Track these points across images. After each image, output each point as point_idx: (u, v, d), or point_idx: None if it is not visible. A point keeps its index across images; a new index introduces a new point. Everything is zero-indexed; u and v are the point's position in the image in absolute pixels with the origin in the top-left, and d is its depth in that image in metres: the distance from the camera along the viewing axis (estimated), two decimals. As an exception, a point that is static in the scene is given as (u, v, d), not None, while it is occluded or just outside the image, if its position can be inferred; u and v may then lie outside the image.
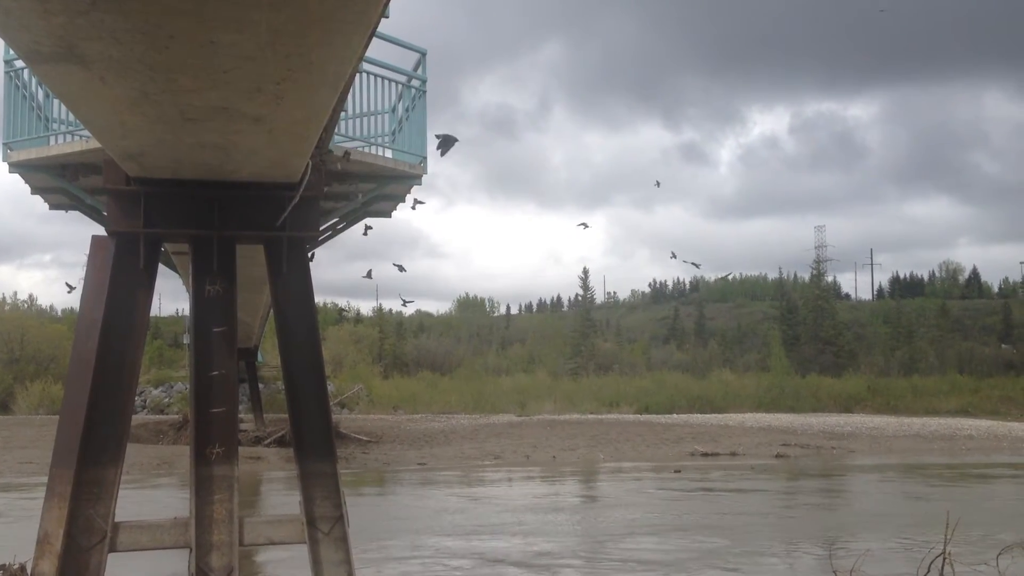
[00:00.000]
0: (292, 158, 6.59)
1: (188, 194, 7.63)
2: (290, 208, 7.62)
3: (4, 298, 75.65)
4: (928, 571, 9.46)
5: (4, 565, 7.36)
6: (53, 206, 14.37)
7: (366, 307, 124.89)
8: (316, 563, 7.95)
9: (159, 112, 4.96)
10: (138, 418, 43.61)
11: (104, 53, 3.86)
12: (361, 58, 6.56)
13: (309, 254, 8.83)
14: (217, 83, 4.37)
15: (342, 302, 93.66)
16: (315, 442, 8.13)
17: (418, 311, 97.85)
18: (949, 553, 9.51)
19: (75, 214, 14.46)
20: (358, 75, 11.86)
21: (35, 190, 13.32)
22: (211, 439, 7.84)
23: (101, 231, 8.04)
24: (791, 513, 18.87)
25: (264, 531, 8.08)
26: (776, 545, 14.86)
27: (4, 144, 12.03)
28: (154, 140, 5.89)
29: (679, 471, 20.36)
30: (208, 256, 7.85)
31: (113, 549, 7.61)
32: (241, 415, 36.54)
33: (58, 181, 12.12)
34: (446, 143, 11.11)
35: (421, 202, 13.74)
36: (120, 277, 7.67)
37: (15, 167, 11.99)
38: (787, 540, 15.36)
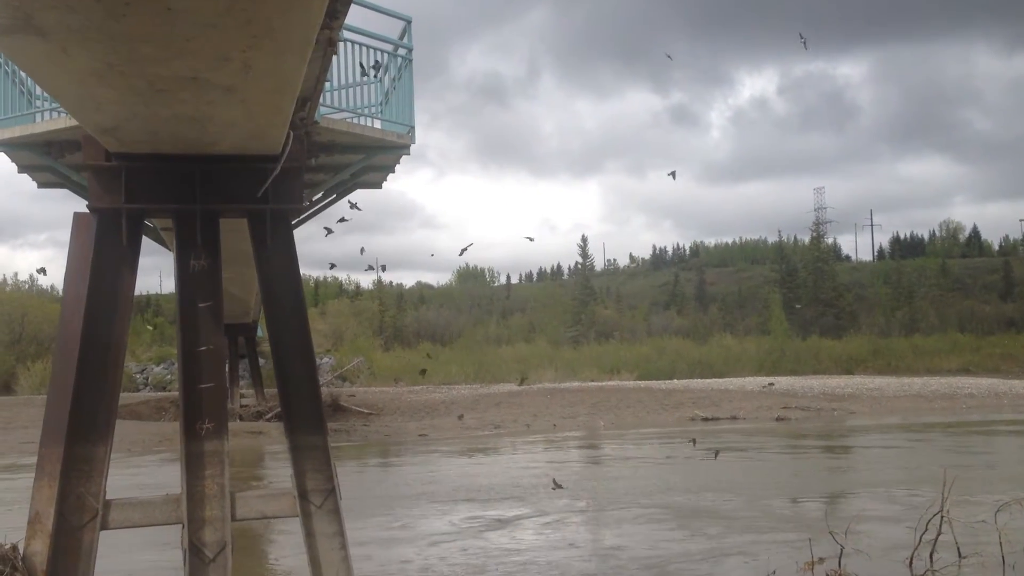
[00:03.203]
0: (270, 129, 6.51)
1: (169, 168, 7.55)
2: (271, 179, 7.54)
3: (4, 279, 75.58)
4: (926, 530, 9.46)
5: (-5, 545, 7.33)
6: (41, 184, 14.28)
7: (366, 280, 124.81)
8: (309, 536, 7.94)
9: (128, 83, 4.87)
10: (140, 395, 43.81)
11: (62, 23, 3.77)
12: (336, 27, 6.45)
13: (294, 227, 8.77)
14: (182, 52, 4.29)
15: (341, 275, 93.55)
16: (305, 415, 8.11)
17: (418, 283, 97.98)
18: (947, 511, 9.51)
19: (67, 192, 14.38)
20: (342, 44, 11.73)
21: (22, 168, 13.23)
22: (201, 414, 7.81)
23: (88, 209, 7.97)
24: (789, 475, 18.88)
25: (256, 505, 8.06)
26: (773, 505, 14.88)
27: (-12, 122, 11.94)
28: (128, 113, 5.80)
29: (694, 441, 20.32)
30: (192, 231, 7.78)
31: (105, 527, 7.59)
32: (242, 390, 36.71)
33: (44, 159, 12.03)
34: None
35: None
36: (103, 254, 7.60)
37: (0, 146, 11.90)
38: (783, 500, 15.37)
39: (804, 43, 14.01)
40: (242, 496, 7.97)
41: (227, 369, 34.15)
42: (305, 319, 8.23)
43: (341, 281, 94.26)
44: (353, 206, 13.67)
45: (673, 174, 19.27)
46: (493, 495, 16.35)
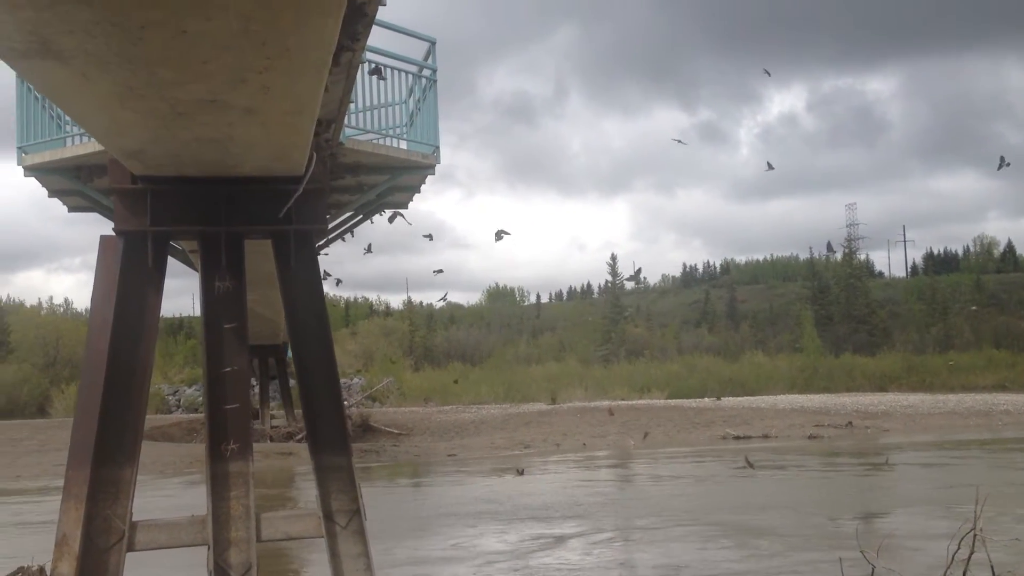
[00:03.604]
0: (291, 150, 6.54)
1: (194, 191, 7.61)
2: (293, 200, 7.57)
3: (40, 302, 76.47)
4: (959, 548, 9.30)
5: (23, 567, 7.41)
6: (72, 208, 14.41)
7: (396, 301, 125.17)
8: (334, 557, 7.94)
9: (149, 107, 4.92)
10: (172, 417, 44.05)
11: (80, 47, 3.81)
12: (357, 48, 6.47)
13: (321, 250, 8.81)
14: (199, 75, 4.32)
15: (372, 296, 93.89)
16: (329, 436, 8.11)
17: (449, 303, 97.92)
18: (981, 529, 9.36)
19: (97, 216, 14.50)
20: (363, 66, 11.79)
21: (52, 193, 13.36)
22: (225, 435, 7.84)
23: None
24: (824, 493, 18.67)
25: (281, 526, 8.06)
26: (805, 522, 14.71)
27: (19, 148, 12.06)
28: (150, 136, 5.85)
29: (750, 466, 20.23)
30: (216, 252, 7.84)
31: (131, 548, 7.62)
32: (273, 411, 36.85)
33: (73, 183, 12.14)
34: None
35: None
36: (129, 276, 7.66)
37: (30, 170, 12.02)
38: (821, 518, 15.19)
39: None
40: (267, 517, 7.98)
41: (257, 390, 34.20)
42: (329, 339, 8.24)
43: (372, 302, 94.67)
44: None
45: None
46: (531, 514, 16.27)
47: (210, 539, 7.66)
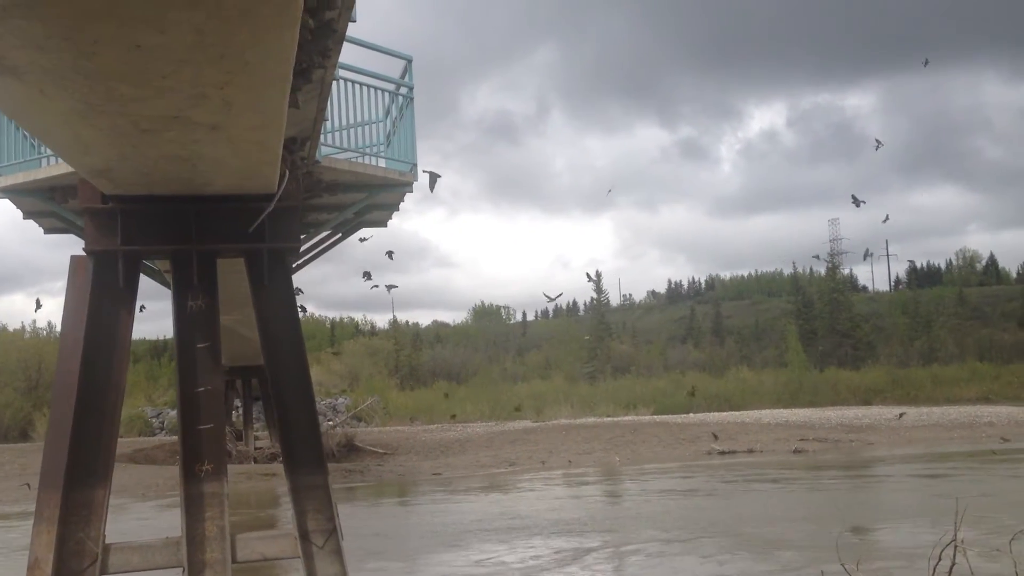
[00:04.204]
0: (261, 167, 6.50)
1: (164, 210, 7.57)
2: (263, 216, 7.53)
3: (24, 326, 75.79)
4: (939, 560, 9.27)
5: (-7, 592, 7.28)
6: (47, 230, 14.31)
7: (381, 320, 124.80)
8: (311, 577, 7.86)
9: (111, 124, 4.88)
10: (155, 439, 43.73)
11: (34, 63, 3.77)
12: (329, 65, 6.44)
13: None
14: (159, 90, 4.29)
15: (357, 316, 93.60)
16: (305, 455, 8.05)
17: (434, 321, 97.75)
18: (962, 540, 9.32)
19: (75, 237, 14.40)
20: (343, 84, 11.77)
21: (27, 215, 13.27)
22: (200, 456, 7.78)
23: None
24: (803, 507, 18.65)
25: (257, 547, 7.99)
26: (784, 536, 14.69)
27: (-9, 170, 11.95)
28: (117, 154, 5.81)
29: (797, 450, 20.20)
30: (188, 271, 7.79)
31: (104, 571, 7.54)
32: (257, 432, 36.60)
33: (48, 204, 12.04)
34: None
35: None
36: (100, 296, 7.61)
37: (3, 192, 11.91)
38: (794, 534, 15.17)
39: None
40: (242, 538, 7.91)
41: (241, 411, 33.91)
42: (303, 358, 8.19)
43: (357, 321, 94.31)
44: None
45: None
46: (518, 532, 16.20)
47: (185, 561, 7.58)
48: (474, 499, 22.37)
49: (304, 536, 7.90)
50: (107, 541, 7.60)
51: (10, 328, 71.21)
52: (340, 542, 7.94)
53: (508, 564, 13.44)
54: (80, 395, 7.48)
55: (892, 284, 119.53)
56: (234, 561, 7.74)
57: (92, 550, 7.48)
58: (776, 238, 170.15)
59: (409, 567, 13.80)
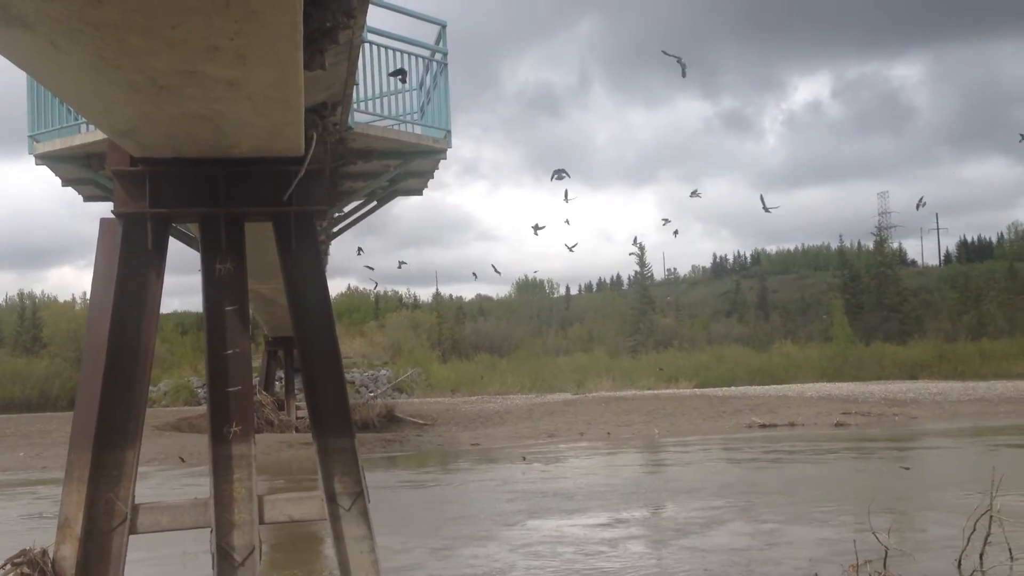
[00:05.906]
0: (285, 128, 6.46)
1: (193, 172, 7.57)
2: (295, 182, 7.50)
3: (73, 298, 77.00)
4: (975, 530, 9.12)
5: (25, 550, 7.38)
6: (87, 198, 14.47)
7: (425, 294, 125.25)
8: (338, 539, 7.88)
9: (127, 79, 4.85)
10: (199, 409, 44.23)
11: (41, 11, 3.74)
12: (356, 26, 6.34)
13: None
14: (170, 42, 4.25)
15: (402, 289, 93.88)
16: (332, 419, 8.05)
17: (478, 295, 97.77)
18: (999, 510, 9.17)
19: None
20: (376, 49, 11.72)
21: (65, 182, 13.40)
22: (228, 418, 7.81)
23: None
24: (841, 479, 18.46)
25: (285, 508, 8.02)
26: (820, 509, 14.54)
27: (30, 136, 12.07)
28: (138, 113, 5.79)
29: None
30: (216, 234, 7.79)
31: (134, 531, 7.61)
32: (299, 402, 36.91)
33: (85, 171, 12.15)
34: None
35: None
36: (129, 259, 7.63)
37: (41, 159, 12.02)
38: (834, 504, 15.01)
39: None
40: (270, 499, 7.94)
41: (283, 381, 34.11)
42: (331, 321, 8.18)
43: (401, 295, 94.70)
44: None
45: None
46: (554, 503, 16.20)
47: (212, 521, 7.63)
48: (509, 467, 22.41)
49: (331, 499, 7.91)
50: (136, 502, 7.67)
51: (60, 300, 72.53)
52: (367, 505, 7.95)
53: (538, 530, 13.46)
54: (109, 357, 7.52)
55: (941, 258, 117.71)
56: (262, 522, 7.78)
57: (121, 510, 7.55)
58: (822, 211, 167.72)
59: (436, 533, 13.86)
